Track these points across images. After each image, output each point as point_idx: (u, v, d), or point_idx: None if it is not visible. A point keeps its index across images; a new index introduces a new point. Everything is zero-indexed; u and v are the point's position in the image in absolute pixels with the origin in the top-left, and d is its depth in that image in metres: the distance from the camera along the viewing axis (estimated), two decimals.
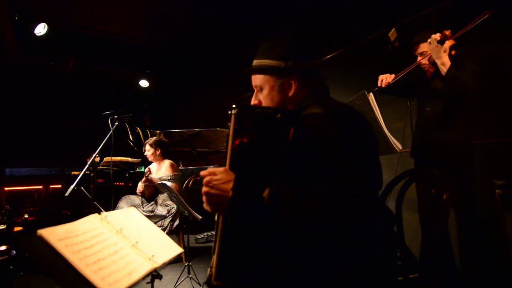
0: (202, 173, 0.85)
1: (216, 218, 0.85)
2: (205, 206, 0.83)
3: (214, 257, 0.79)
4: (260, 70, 0.98)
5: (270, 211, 0.75)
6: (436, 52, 1.76)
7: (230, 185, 0.78)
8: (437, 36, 1.75)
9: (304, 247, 0.79)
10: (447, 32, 1.72)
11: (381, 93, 2.15)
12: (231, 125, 0.80)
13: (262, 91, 0.99)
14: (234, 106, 0.81)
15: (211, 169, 0.83)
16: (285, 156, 0.78)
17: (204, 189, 0.81)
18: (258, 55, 1.00)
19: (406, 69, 1.98)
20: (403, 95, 2.25)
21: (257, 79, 0.99)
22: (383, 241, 0.85)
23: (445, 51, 1.74)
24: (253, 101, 1.02)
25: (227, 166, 0.81)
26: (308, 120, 0.83)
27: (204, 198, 0.82)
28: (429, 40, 1.78)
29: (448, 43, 1.75)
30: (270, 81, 0.97)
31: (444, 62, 1.75)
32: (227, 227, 0.79)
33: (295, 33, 3.06)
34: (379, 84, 2.03)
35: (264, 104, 1.00)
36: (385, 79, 2.01)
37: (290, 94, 0.96)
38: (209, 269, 0.85)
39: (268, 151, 0.80)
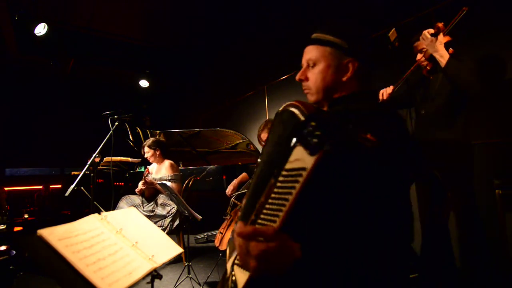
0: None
1: None
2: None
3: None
4: (322, 41, 0.87)
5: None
6: (432, 46, 1.75)
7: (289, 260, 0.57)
8: (430, 30, 1.74)
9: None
10: (440, 25, 1.71)
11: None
12: (311, 166, 0.50)
13: (315, 67, 0.88)
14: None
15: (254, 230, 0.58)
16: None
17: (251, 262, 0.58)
18: (321, 29, 0.89)
19: (405, 75, 1.99)
20: (405, 106, 2.26)
21: (313, 52, 0.88)
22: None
23: (441, 43, 1.72)
24: (299, 76, 0.91)
25: (279, 225, 0.55)
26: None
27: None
28: (421, 37, 1.78)
29: (443, 38, 1.73)
30: (329, 58, 0.86)
31: (442, 54, 1.73)
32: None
33: (362, 21, 2.99)
34: (380, 98, 2.03)
35: (311, 82, 0.89)
36: (385, 92, 2.01)
37: (344, 78, 0.86)
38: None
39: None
